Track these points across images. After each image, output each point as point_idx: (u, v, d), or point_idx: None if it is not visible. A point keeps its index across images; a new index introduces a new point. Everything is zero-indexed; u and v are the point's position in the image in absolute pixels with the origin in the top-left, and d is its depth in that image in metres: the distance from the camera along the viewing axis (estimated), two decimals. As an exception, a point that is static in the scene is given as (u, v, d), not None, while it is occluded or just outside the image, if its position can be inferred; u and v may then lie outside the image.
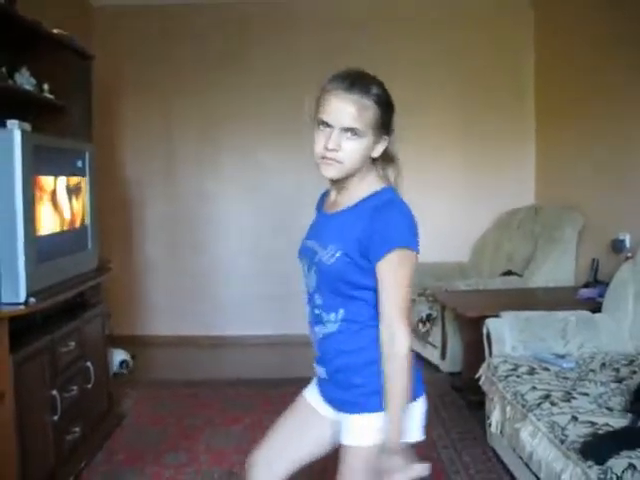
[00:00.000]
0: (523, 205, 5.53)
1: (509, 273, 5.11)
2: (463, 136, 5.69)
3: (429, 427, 3.61)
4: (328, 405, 1.81)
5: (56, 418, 3.00)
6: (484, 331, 3.42)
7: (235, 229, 5.73)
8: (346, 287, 1.65)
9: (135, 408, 4.12)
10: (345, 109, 1.60)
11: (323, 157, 1.64)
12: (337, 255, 1.64)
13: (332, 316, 1.69)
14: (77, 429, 3.26)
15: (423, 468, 1.63)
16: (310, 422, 1.88)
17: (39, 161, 2.86)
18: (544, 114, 5.54)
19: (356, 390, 1.69)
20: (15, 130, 2.69)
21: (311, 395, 1.90)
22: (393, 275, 1.59)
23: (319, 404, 1.86)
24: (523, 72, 5.65)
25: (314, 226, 1.85)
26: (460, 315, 4.13)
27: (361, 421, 1.69)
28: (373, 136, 1.64)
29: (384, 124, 1.65)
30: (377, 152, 1.69)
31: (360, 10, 5.50)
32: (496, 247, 5.45)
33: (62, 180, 3.23)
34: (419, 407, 1.77)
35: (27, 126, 2.88)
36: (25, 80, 3.43)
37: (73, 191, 3.38)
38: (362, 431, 1.69)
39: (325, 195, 1.89)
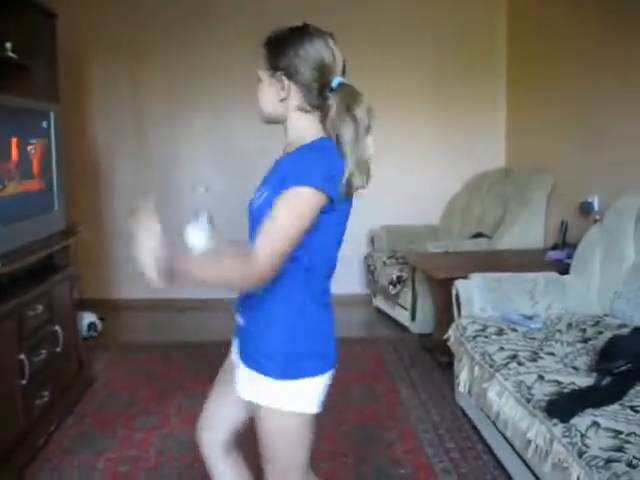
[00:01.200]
0: (493, 168, 5.55)
1: (479, 235, 5.15)
2: (434, 99, 5.67)
3: (399, 388, 3.68)
4: (237, 354, 1.78)
5: (24, 382, 2.97)
6: (453, 292, 3.45)
7: (205, 194, 5.66)
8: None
9: (105, 372, 4.10)
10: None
11: None
12: (264, 196, 1.62)
13: None
14: (46, 393, 3.24)
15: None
16: (232, 378, 1.83)
17: (2, 121, 2.79)
18: (515, 77, 5.54)
19: (257, 346, 1.66)
20: (-25, 89, 2.62)
21: (233, 349, 1.92)
22: (278, 210, 1.51)
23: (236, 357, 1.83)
24: (496, 35, 5.63)
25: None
26: (430, 277, 4.15)
27: (258, 380, 1.65)
28: (268, 77, 1.68)
29: (271, 62, 1.67)
30: (281, 95, 1.67)
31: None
32: (466, 209, 5.47)
33: (26, 141, 3.16)
34: (281, 388, 1.65)
35: (-12, 85, 2.81)
36: (-14, 38, 3.33)
37: (38, 152, 3.31)
38: (257, 388, 1.66)
39: None
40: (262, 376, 1.64)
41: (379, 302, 5.27)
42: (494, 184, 5.37)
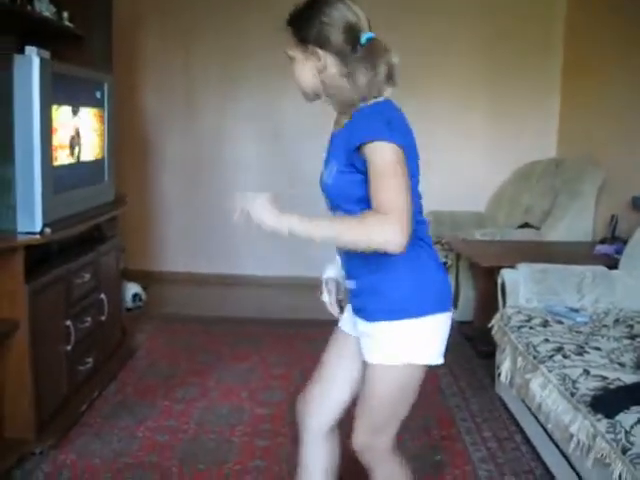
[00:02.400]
0: (544, 158, 5.45)
1: (526, 226, 5.07)
2: (486, 85, 5.57)
3: (438, 374, 3.66)
4: (360, 319, 1.77)
5: (69, 348, 3.04)
6: (499, 281, 3.40)
7: (253, 169, 5.67)
8: (347, 202, 1.64)
9: (147, 342, 4.16)
10: None
11: None
12: (334, 171, 1.65)
13: None
14: (90, 360, 3.31)
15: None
16: (349, 347, 1.88)
17: (57, 90, 2.82)
18: (571, 67, 5.40)
19: (386, 297, 1.68)
20: (34, 56, 2.64)
21: (345, 323, 1.92)
22: (380, 168, 1.51)
23: (351, 327, 1.86)
24: (552, 23, 5.49)
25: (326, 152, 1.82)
26: (475, 264, 4.11)
27: (389, 328, 1.68)
28: (300, 54, 1.69)
29: (303, 38, 1.67)
30: (318, 67, 1.67)
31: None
32: (514, 199, 5.39)
33: (80, 110, 3.20)
34: (415, 326, 1.69)
35: (46, 53, 2.83)
36: (44, 7, 3.35)
37: (91, 122, 3.34)
38: (389, 343, 1.69)
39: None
40: (396, 322, 1.66)
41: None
42: (544, 174, 5.27)
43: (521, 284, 3.31)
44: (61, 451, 2.78)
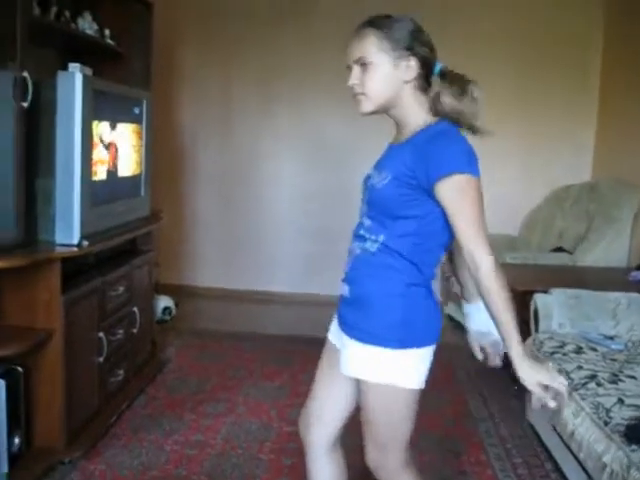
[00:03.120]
0: (578, 181, 5.40)
1: (559, 250, 5.02)
2: (522, 107, 5.54)
3: (468, 398, 3.62)
4: (341, 328, 1.79)
5: (101, 360, 3.07)
6: (531, 306, 3.37)
7: (288, 187, 5.71)
8: (391, 211, 1.65)
9: (177, 356, 4.18)
10: (352, 44, 1.68)
11: (353, 95, 1.71)
12: (388, 179, 1.64)
13: (373, 237, 1.69)
14: (121, 372, 3.34)
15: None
16: (337, 361, 1.84)
17: (98, 106, 2.88)
18: (609, 89, 5.36)
19: (372, 316, 1.69)
20: (77, 73, 2.71)
21: (332, 332, 1.92)
22: (459, 199, 1.58)
23: (338, 338, 1.85)
24: (590, 44, 5.45)
25: (380, 158, 1.83)
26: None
27: (370, 352, 1.68)
28: (389, 59, 1.65)
29: (397, 43, 1.65)
30: (409, 74, 1.67)
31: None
32: (548, 223, 5.34)
33: (119, 126, 3.25)
34: (414, 358, 1.71)
35: (88, 70, 2.90)
36: (87, 25, 3.43)
37: (129, 138, 3.40)
38: (371, 364, 1.69)
39: None
40: (379, 348, 1.67)
41: (451, 310, 5.20)
42: (579, 198, 5.22)
43: (554, 309, 3.27)
44: (90, 462, 2.80)
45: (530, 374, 1.56)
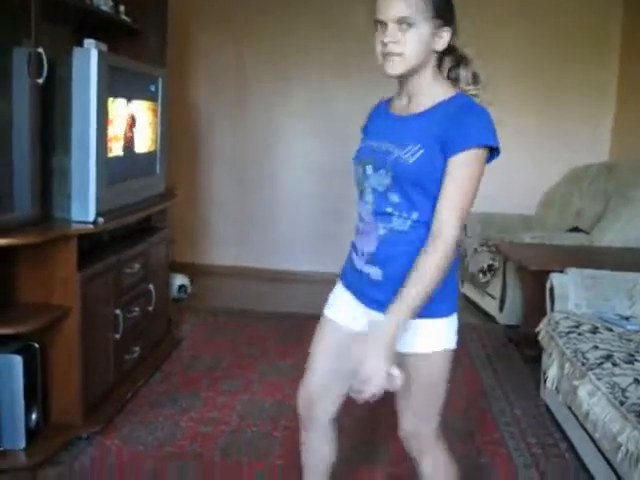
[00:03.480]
0: (595, 161, 5.35)
1: (576, 230, 4.98)
2: (539, 86, 5.48)
3: (482, 377, 3.62)
4: (374, 311, 1.75)
5: (118, 337, 3.09)
6: (547, 286, 3.35)
7: (302, 165, 5.70)
8: (424, 187, 1.62)
9: (192, 334, 4.21)
10: (391, 2, 1.59)
11: (384, 54, 1.63)
12: (419, 154, 1.60)
13: (405, 214, 1.66)
14: (137, 349, 3.36)
15: (397, 378, 1.55)
16: (345, 339, 1.80)
17: (114, 82, 2.87)
18: (628, 69, 5.29)
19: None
20: (92, 49, 2.70)
21: (337, 311, 1.91)
22: (464, 173, 1.58)
23: (350, 317, 1.84)
24: (609, 21, 5.38)
25: (379, 128, 1.79)
26: (523, 268, 4.05)
27: (426, 326, 1.69)
28: (429, 25, 1.61)
29: (439, 11, 1.61)
30: (440, 45, 1.65)
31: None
32: (564, 202, 5.30)
33: (135, 103, 3.25)
34: (448, 323, 1.76)
35: (103, 46, 2.89)
36: (102, 1, 3.41)
37: (144, 115, 3.39)
38: (432, 336, 1.71)
39: (385, 103, 1.86)
40: (433, 320, 1.70)
41: (467, 289, 5.19)
42: (596, 178, 5.17)
43: (570, 289, 3.25)
44: (106, 437, 2.83)
45: (386, 355, 1.54)
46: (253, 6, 5.52)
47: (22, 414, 2.54)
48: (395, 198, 1.66)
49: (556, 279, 3.31)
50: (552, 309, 3.29)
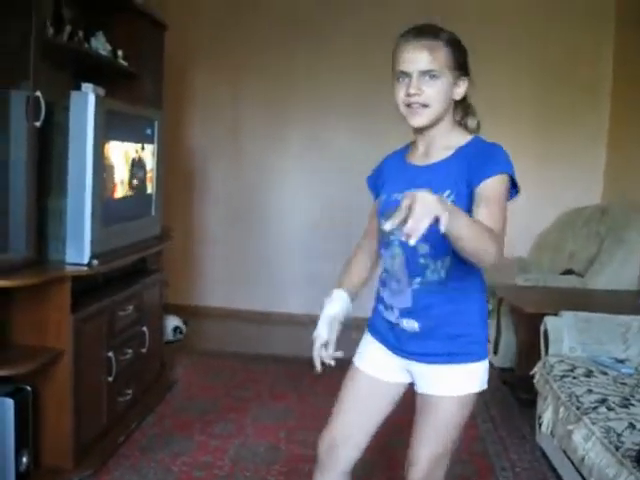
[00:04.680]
0: (589, 203, 5.39)
1: (570, 272, 4.99)
2: (534, 131, 5.54)
3: (478, 422, 3.59)
4: (410, 360, 1.80)
5: (111, 379, 3.07)
6: (542, 329, 3.35)
7: (297, 208, 5.72)
8: None
9: (186, 376, 4.18)
10: (419, 53, 1.66)
11: (408, 105, 1.68)
12: (451, 200, 1.60)
13: (439, 263, 1.68)
14: (130, 391, 3.33)
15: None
16: (375, 391, 1.89)
17: (111, 126, 2.90)
18: (620, 112, 5.36)
19: (460, 341, 1.72)
20: (90, 94, 2.73)
21: (368, 363, 1.92)
22: (499, 196, 1.59)
23: (379, 367, 1.88)
24: (601, 69, 5.46)
25: (400, 179, 1.78)
26: (517, 310, 4.05)
27: (464, 370, 1.72)
28: (451, 77, 1.69)
29: (459, 64, 1.70)
30: (459, 94, 1.72)
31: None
32: (558, 245, 5.32)
33: (131, 146, 3.28)
34: (485, 365, 1.79)
35: (101, 90, 2.92)
36: (101, 45, 3.47)
37: (140, 158, 3.42)
38: (460, 380, 1.73)
39: (399, 155, 1.89)
40: (466, 365, 1.72)
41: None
42: (589, 221, 5.20)
43: (565, 332, 3.25)
44: (98, 482, 2.79)
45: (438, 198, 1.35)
46: (247, 49, 5.58)
47: (12, 457, 2.51)
48: (424, 248, 1.67)
49: (550, 322, 3.31)
50: (546, 352, 3.28)
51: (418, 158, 1.79)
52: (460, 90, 1.72)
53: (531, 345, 3.63)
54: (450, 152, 1.70)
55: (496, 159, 1.62)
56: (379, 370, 1.89)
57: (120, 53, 3.65)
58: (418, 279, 1.72)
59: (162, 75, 4.17)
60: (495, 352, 4.57)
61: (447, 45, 1.67)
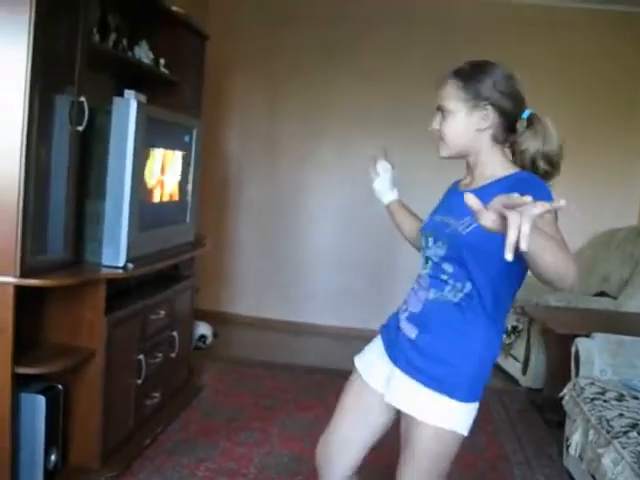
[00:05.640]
0: (624, 225, 5.33)
1: (602, 294, 4.94)
2: (569, 151, 5.49)
3: (504, 441, 3.56)
4: (398, 366, 1.76)
5: (140, 382, 3.10)
6: (573, 350, 3.32)
7: (329, 220, 5.74)
8: (477, 258, 1.63)
9: (213, 382, 4.20)
10: (439, 90, 1.75)
11: (434, 139, 1.78)
12: (473, 226, 1.60)
13: (459, 285, 1.67)
14: (157, 395, 3.37)
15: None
16: (368, 401, 1.89)
17: (151, 132, 2.94)
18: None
19: (446, 369, 1.67)
20: (132, 100, 2.78)
21: (365, 364, 1.92)
22: (552, 218, 1.54)
23: (370, 374, 1.88)
24: (637, 87, 5.43)
25: (446, 204, 1.84)
26: (548, 331, 4.02)
27: (440, 401, 1.67)
28: (462, 109, 1.70)
29: (470, 95, 1.68)
30: (482, 125, 1.70)
31: (474, 9, 5.41)
32: (591, 266, 5.27)
33: (169, 152, 3.32)
34: (468, 410, 1.72)
35: (143, 97, 2.97)
36: (144, 54, 3.53)
37: (178, 164, 3.46)
38: (439, 411, 1.68)
39: (458, 182, 1.91)
40: (444, 397, 1.67)
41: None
42: (623, 243, 5.14)
43: (596, 355, 3.22)
44: (123, 483, 2.82)
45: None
46: (288, 60, 5.65)
47: (42, 455, 2.54)
48: (449, 268, 1.69)
49: (582, 344, 3.27)
50: (577, 374, 3.25)
51: (464, 185, 1.82)
52: (478, 120, 1.70)
53: (561, 366, 3.59)
54: (487, 182, 1.70)
55: (540, 188, 1.58)
56: (370, 374, 1.89)
57: (162, 61, 3.71)
58: (437, 291, 1.72)
59: (202, 84, 4.22)
60: (524, 372, 4.53)
61: (458, 78, 1.71)
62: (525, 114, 1.71)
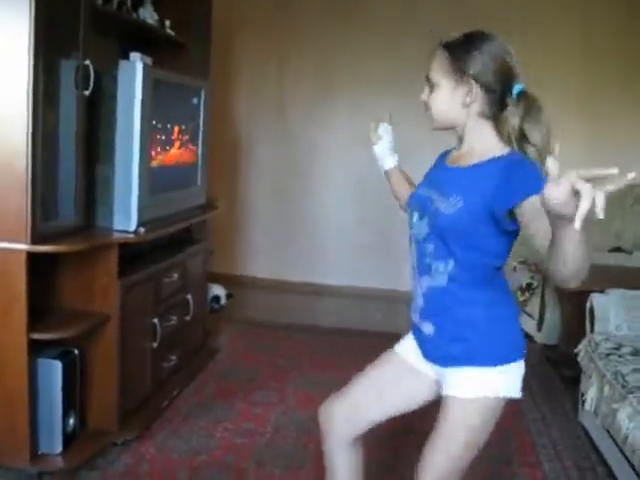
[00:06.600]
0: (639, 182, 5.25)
1: (617, 250, 4.90)
2: (583, 105, 5.41)
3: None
4: (432, 364, 1.76)
5: (155, 345, 3.13)
6: (587, 306, 3.30)
7: (341, 179, 5.70)
8: (461, 238, 1.60)
9: (228, 344, 4.23)
10: (429, 61, 1.71)
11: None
12: (459, 205, 1.58)
13: (441, 266, 1.65)
14: (173, 358, 3.39)
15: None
16: (404, 378, 1.85)
17: (158, 95, 2.92)
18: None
19: (464, 344, 1.66)
20: (137, 62, 2.75)
21: (406, 352, 1.87)
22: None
23: (418, 362, 1.82)
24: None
25: (431, 177, 1.81)
26: (562, 287, 3.99)
27: (468, 373, 1.66)
28: (447, 83, 1.65)
29: (456, 68, 1.63)
30: (466, 100, 1.64)
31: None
32: (606, 222, 5.19)
33: (178, 115, 3.29)
34: (518, 368, 1.71)
35: (149, 60, 2.93)
36: (148, 15, 3.48)
37: (187, 127, 3.43)
38: (469, 383, 1.66)
39: (446, 153, 1.86)
40: (474, 368, 1.66)
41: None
42: (639, 199, 5.09)
43: (611, 310, 3.20)
44: (141, 444, 2.86)
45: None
46: (298, 19, 5.56)
47: (60, 419, 2.58)
48: (430, 247, 1.66)
49: (596, 299, 3.26)
50: (592, 330, 3.24)
51: (452, 159, 1.78)
52: (464, 95, 1.64)
53: (576, 322, 3.58)
54: (476, 161, 1.65)
55: (531, 181, 1.45)
56: (418, 360, 1.83)
57: (167, 23, 3.66)
58: (425, 281, 1.70)
59: (209, 45, 4.16)
60: (539, 329, 4.52)
61: (447, 49, 1.65)
62: (515, 90, 1.63)
